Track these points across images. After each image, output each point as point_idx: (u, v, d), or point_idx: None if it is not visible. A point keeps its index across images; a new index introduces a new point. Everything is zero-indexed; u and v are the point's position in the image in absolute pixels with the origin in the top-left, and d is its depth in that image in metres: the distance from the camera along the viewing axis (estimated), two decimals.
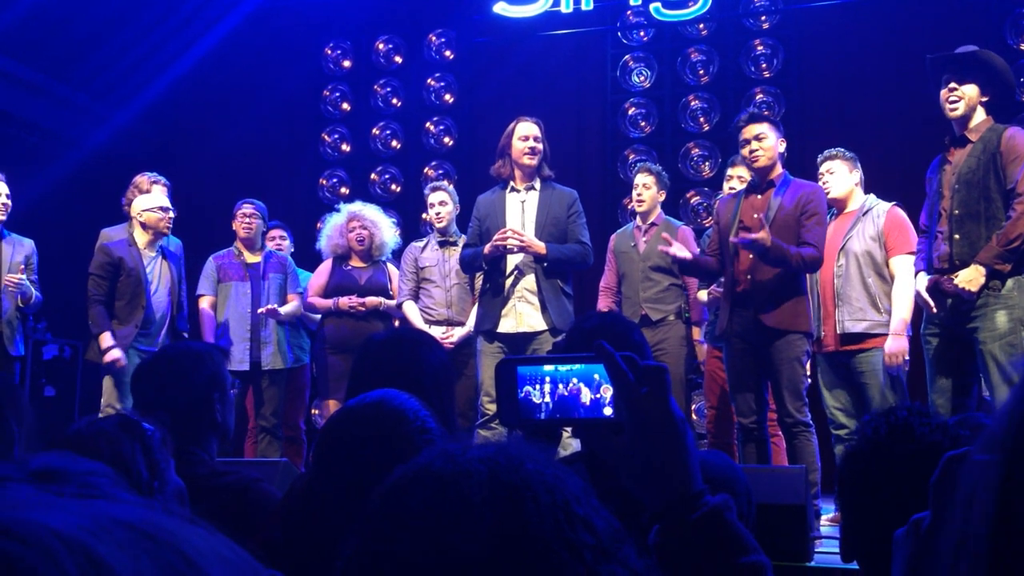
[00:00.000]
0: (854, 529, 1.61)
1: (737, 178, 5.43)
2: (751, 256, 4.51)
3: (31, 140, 8.12)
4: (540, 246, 4.90)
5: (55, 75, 8.12)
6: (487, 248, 4.93)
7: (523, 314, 4.93)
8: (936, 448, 1.54)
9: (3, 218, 5.72)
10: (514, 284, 4.97)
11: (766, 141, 4.58)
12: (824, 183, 5.05)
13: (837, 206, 5.10)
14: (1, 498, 0.42)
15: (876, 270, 4.91)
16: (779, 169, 4.64)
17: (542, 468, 0.76)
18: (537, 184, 5.12)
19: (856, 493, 1.61)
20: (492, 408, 4.91)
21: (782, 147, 4.65)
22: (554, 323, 4.87)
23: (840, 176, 5.09)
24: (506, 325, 4.94)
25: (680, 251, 4.57)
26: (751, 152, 4.61)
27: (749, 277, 4.52)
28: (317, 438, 1.75)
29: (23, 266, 5.68)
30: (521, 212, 5.06)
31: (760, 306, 4.47)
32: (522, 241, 4.89)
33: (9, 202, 5.72)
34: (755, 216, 4.57)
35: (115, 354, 5.45)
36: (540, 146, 5.07)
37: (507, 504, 0.72)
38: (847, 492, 1.63)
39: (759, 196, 4.64)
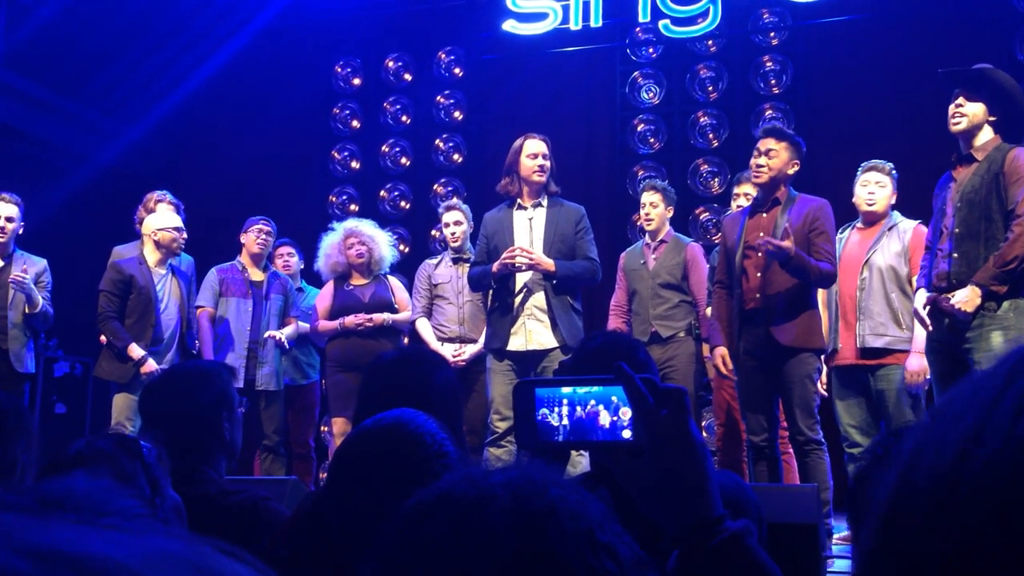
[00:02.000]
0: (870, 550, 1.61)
1: (744, 195, 5.42)
2: (759, 274, 4.50)
3: (42, 157, 8.16)
4: (549, 263, 4.88)
5: (66, 92, 8.16)
6: (495, 266, 4.92)
7: (533, 332, 4.91)
8: None
9: (3, 240, 5.74)
10: (523, 302, 4.95)
11: (775, 160, 4.55)
12: (871, 194, 5.00)
13: (869, 218, 5.04)
14: (55, 530, 0.41)
15: (899, 286, 4.87)
16: (784, 188, 4.62)
17: (566, 494, 0.74)
18: (544, 201, 5.11)
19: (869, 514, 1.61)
20: (502, 426, 4.90)
21: (792, 170, 4.61)
22: (565, 340, 4.85)
23: (887, 191, 5.03)
24: (516, 343, 4.92)
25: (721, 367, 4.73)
26: (756, 167, 4.59)
27: (759, 295, 4.50)
28: (332, 458, 1.74)
29: (24, 267, 5.68)
30: (529, 229, 5.05)
31: (772, 323, 4.45)
32: (531, 259, 4.87)
33: (12, 224, 5.73)
34: (760, 235, 4.56)
35: (151, 365, 5.47)
36: (548, 163, 5.07)
37: (530, 531, 0.71)
38: (859, 514, 1.62)
39: (764, 215, 4.62)
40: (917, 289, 4.43)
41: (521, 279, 4.96)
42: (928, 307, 4.24)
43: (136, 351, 5.50)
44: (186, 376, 2.62)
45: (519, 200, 5.10)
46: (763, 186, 4.59)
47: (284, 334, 6.02)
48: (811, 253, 4.46)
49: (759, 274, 4.52)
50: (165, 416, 2.51)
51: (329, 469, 1.73)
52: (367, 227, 6.14)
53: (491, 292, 5.15)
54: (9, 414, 2.19)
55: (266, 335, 5.94)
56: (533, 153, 5.04)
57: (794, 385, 4.41)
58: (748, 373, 4.55)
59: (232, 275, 6.12)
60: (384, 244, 6.12)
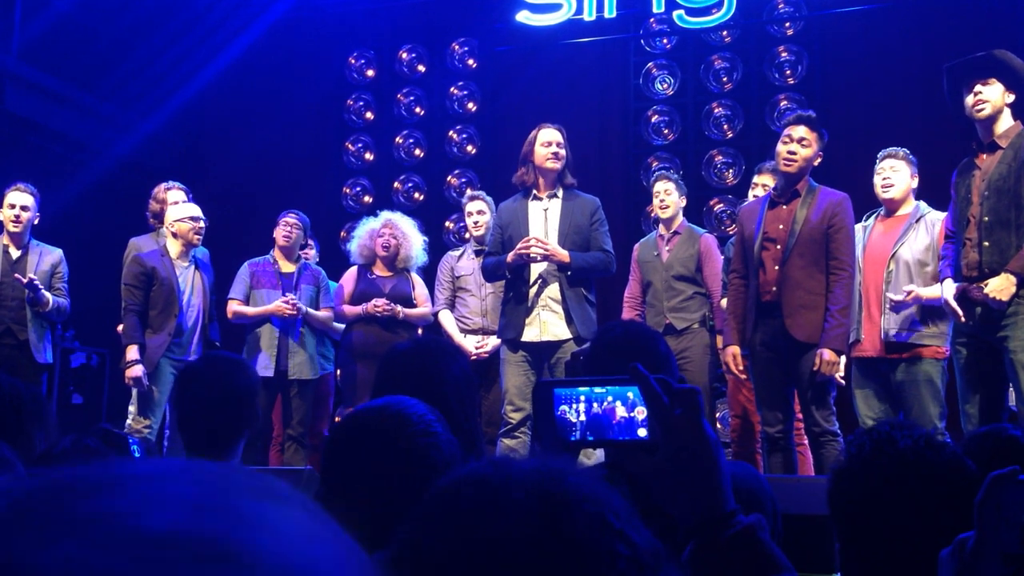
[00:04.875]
0: (851, 546, 1.64)
1: (763, 186, 5.38)
2: (777, 267, 4.48)
3: (58, 150, 8.20)
4: (564, 254, 4.88)
5: (81, 85, 8.20)
6: (510, 256, 4.92)
7: (547, 323, 4.91)
8: (920, 459, 1.57)
9: (16, 229, 5.78)
10: (538, 293, 4.95)
11: (807, 149, 4.50)
12: (885, 179, 4.96)
13: (891, 206, 4.97)
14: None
15: (924, 281, 4.77)
16: (805, 179, 4.58)
17: (583, 483, 0.79)
18: (560, 192, 5.10)
19: (848, 511, 1.66)
20: (516, 417, 4.91)
21: (817, 161, 4.59)
22: (579, 332, 4.85)
23: (903, 176, 4.95)
24: (530, 334, 4.92)
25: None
26: (788, 153, 4.53)
27: (775, 289, 4.47)
28: (325, 446, 1.78)
29: (32, 276, 5.72)
30: (544, 220, 5.05)
31: (788, 317, 4.42)
32: (546, 249, 4.87)
33: (26, 213, 5.79)
34: (779, 227, 4.53)
35: (136, 371, 5.46)
36: (563, 152, 5.06)
37: (547, 507, 0.75)
38: (840, 511, 1.66)
39: (784, 206, 4.58)
40: (943, 279, 4.37)
41: (536, 270, 4.96)
42: (957, 297, 4.20)
43: (132, 353, 5.50)
44: (227, 362, 2.73)
45: (535, 191, 5.10)
46: (791, 176, 4.54)
47: (315, 312, 6.04)
48: (829, 250, 4.43)
49: (776, 267, 4.48)
50: (195, 408, 2.56)
51: (323, 455, 1.77)
52: (405, 223, 6.19)
53: (505, 282, 5.15)
54: (28, 403, 2.22)
55: (288, 297, 5.93)
56: (547, 141, 5.03)
57: (810, 377, 4.40)
58: (764, 365, 4.52)
59: (263, 268, 6.16)
60: (415, 244, 6.16)
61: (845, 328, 4.41)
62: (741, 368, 4.66)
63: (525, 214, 5.06)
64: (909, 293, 4.65)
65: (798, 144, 4.51)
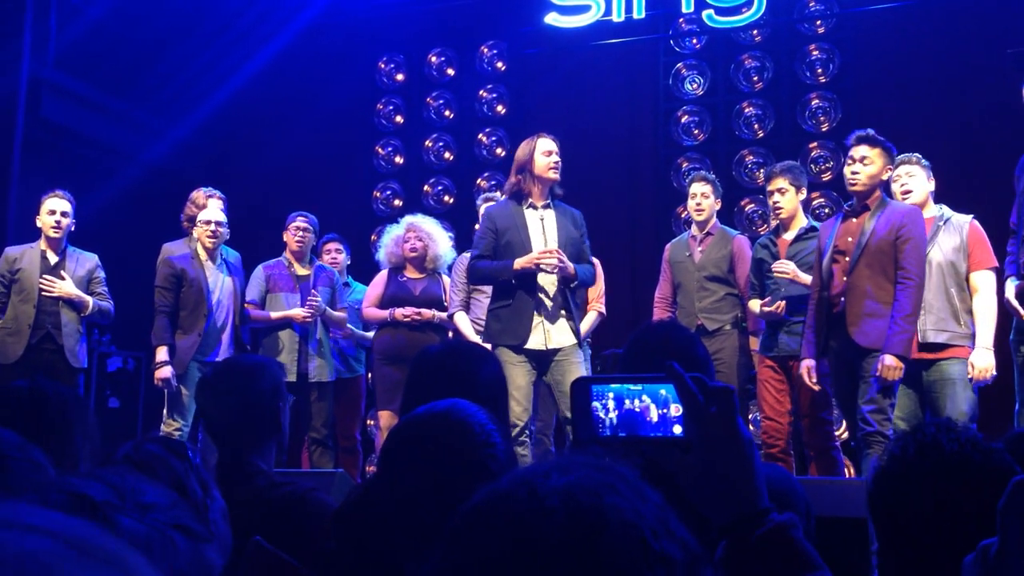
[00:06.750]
0: (891, 549, 1.61)
1: (778, 191, 5.33)
2: (844, 278, 4.51)
3: (90, 156, 8.29)
4: (572, 268, 4.84)
5: (114, 91, 8.29)
6: (520, 264, 4.80)
7: (551, 331, 4.84)
8: (966, 463, 1.53)
9: (56, 235, 5.86)
10: (544, 302, 4.89)
11: (871, 167, 4.53)
12: (903, 186, 4.95)
13: None
14: None
15: (957, 282, 4.80)
16: (877, 193, 4.59)
17: (621, 502, 0.76)
18: (551, 202, 5.05)
19: (889, 513, 1.62)
20: (524, 418, 4.86)
21: (886, 175, 4.59)
22: (577, 339, 4.87)
23: (920, 181, 4.97)
24: (535, 341, 4.81)
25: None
26: (852, 174, 4.56)
27: (842, 299, 4.51)
28: (384, 443, 1.76)
29: (67, 292, 5.80)
30: (542, 229, 4.97)
31: (852, 326, 4.44)
32: (562, 262, 4.81)
33: (65, 220, 5.87)
34: (848, 240, 4.54)
35: (165, 372, 5.54)
36: (559, 162, 5.03)
37: (583, 544, 0.73)
38: (880, 513, 1.63)
39: (855, 220, 4.60)
40: (1007, 276, 4.35)
41: (544, 279, 4.88)
42: (1019, 296, 4.15)
43: (161, 354, 5.58)
44: (242, 369, 2.70)
45: (530, 199, 5.01)
46: (859, 193, 4.58)
47: (332, 313, 6.08)
48: (897, 261, 4.43)
49: (844, 278, 4.52)
50: (222, 410, 2.57)
51: (380, 453, 1.75)
52: (428, 224, 6.22)
53: (502, 288, 4.99)
54: (69, 404, 2.24)
55: (309, 299, 5.97)
56: (548, 150, 4.97)
57: (871, 381, 4.39)
58: (837, 375, 4.58)
59: (278, 271, 6.18)
60: (442, 242, 6.18)
61: (908, 334, 4.38)
62: (814, 380, 4.67)
63: (523, 222, 4.97)
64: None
65: (860, 163, 4.54)
